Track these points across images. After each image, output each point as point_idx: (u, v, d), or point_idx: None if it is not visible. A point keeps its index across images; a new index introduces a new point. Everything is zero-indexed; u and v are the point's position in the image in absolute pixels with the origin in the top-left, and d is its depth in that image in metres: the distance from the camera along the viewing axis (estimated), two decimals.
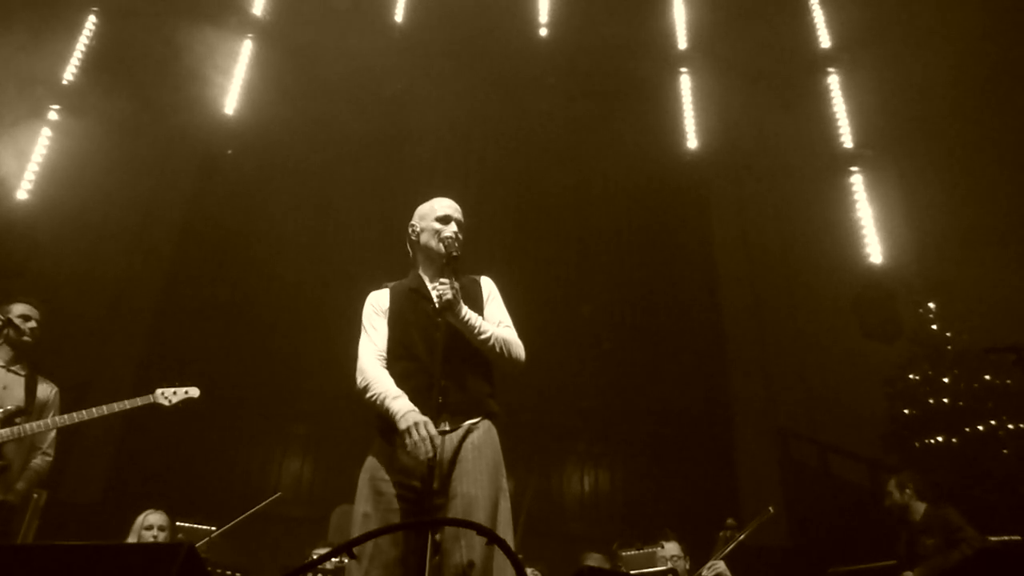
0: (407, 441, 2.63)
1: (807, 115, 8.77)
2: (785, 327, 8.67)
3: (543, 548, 5.95)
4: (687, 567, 5.34)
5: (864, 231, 8.19)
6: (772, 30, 8.81)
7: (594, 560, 6.11)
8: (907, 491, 5.29)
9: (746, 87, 8.91)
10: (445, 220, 3.15)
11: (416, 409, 2.71)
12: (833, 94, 8.82)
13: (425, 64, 9.01)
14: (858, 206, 8.29)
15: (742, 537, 5.09)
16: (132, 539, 4.90)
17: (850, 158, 8.51)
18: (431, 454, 2.57)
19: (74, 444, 6.56)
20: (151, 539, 4.85)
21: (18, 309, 4.32)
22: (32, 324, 4.33)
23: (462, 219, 3.20)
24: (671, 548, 5.37)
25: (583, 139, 9.38)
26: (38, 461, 4.26)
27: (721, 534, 5.22)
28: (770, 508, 5.17)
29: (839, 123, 8.68)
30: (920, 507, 5.21)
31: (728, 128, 9.05)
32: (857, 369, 7.84)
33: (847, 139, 8.60)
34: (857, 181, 8.41)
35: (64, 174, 7.89)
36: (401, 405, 2.73)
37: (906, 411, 7.43)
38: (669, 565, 5.22)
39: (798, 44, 9.13)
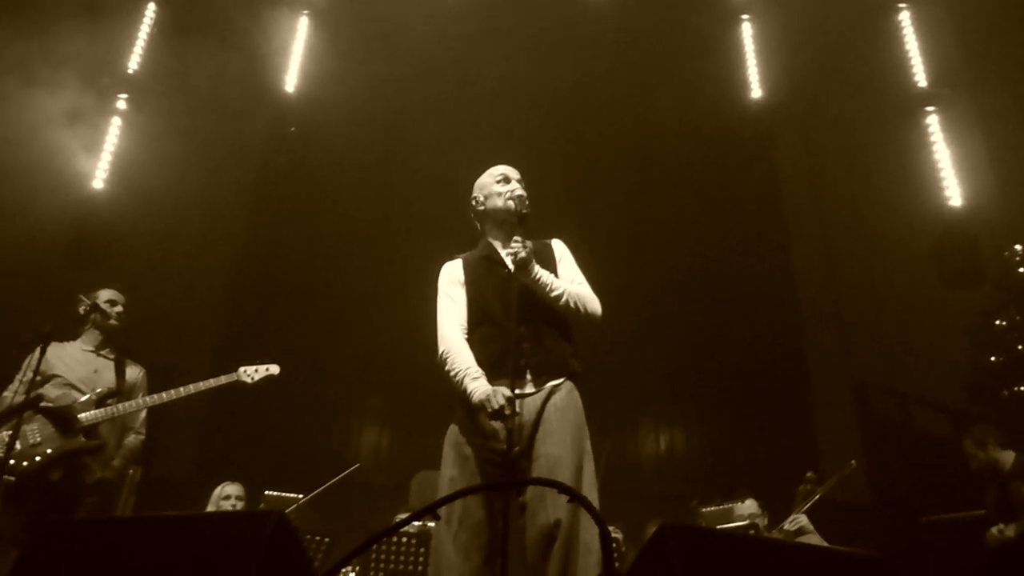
0: (486, 412, 2.65)
1: (877, 56, 8.40)
2: (860, 277, 8.43)
3: (620, 509, 5.97)
4: (766, 523, 5.30)
5: (942, 174, 7.83)
6: None
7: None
8: (988, 445, 4.98)
9: (810, 31, 8.59)
10: (505, 180, 3.18)
11: (491, 387, 2.72)
12: (905, 31, 8.40)
13: (482, 29, 8.93)
14: (935, 148, 7.91)
15: (823, 492, 5.02)
16: (211, 509, 5.13)
17: (925, 98, 8.13)
18: (510, 413, 2.58)
19: (163, 422, 6.80)
20: (229, 508, 5.08)
21: (105, 295, 4.49)
22: (119, 309, 4.49)
23: (521, 179, 3.21)
24: (749, 506, 5.34)
25: (643, 98, 9.19)
26: (131, 440, 4.44)
27: (801, 488, 5.15)
28: (852, 462, 5.06)
29: (912, 62, 8.27)
30: (1009, 456, 4.90)
31: (793, 75, 8.75)
32: (937, 317, 7.58)
33: (921, 79, 8.20)
34: (933, 122, 8.02)
35: (135, 162, 8.10)
36: (477, 385, 2.75)
37: (992, 359, 7.17)
38: (748, 522, 5.19)
39: None
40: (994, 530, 4.85)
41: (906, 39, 8.36)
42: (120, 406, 4.22)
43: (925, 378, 7.54)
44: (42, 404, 4.07)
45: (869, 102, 8.33)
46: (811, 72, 8.72)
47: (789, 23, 8.80)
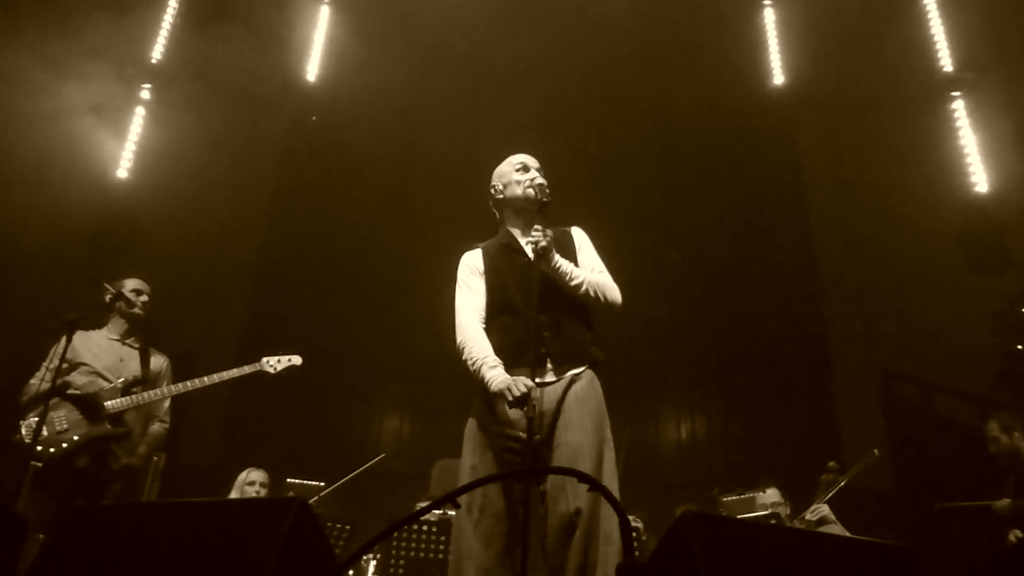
0: (507, 401, 2.64)
1: (901, 40, 8.28)
2: (883, 264, 8.33)
3: (641, 497, 5.97)
4: (788, 512, 5.27)
5: (968, 159, 7.72)
6: None
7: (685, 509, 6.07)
8: (1015, 432, 4.85)
9: (833, 15, 8.48)
10: (524, 169, 3.18)
11: (508, 376, 2.72)
12: (930, 14, 8.26)
13: (502, 16, 8.89)
14: (961, 133, 7.80)
15: (845, 481, 4.98)
16: (235, 495, 5.22)
17: (950, 83, 8.01)
18: (530, 404, 2.58)
19: (187, 410, 6.88)
20: (253, 494, 5.17)
21: (131, 284, 4.54)
22: (144, 298, 4.54)
23: (539, 167, 3.21)
24: (771, 495, 5.31)
25: (664, 84, 9.12)
26: (156, 428, 4.50)
27: (824, 477, 5.11)
28: (875, 451, 5.02)
29: (937, 46, 8.14)
30: None
31: (816, 60, 8.65)
32: (962, 304, 7.48)
33: (947, 63, 8.07)
34: (959, 107, 7.90)
35: (159, 151, 8.16)
36: (495, 374, 2.75)
37: (1019, 346, 7.07)
38: (770, 511, 5.17)
39: None
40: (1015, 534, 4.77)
41: (931, 23, 8.23)
42: (145, 394, 4.28)
43: (950, 366, 7.45)
44: (69, 391, 4.13)
45: (893, 87, 8.21)
46: (834, 57, 8.62)
47: (811, 8, 8.71)
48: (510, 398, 2.60)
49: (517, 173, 3.18)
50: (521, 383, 2.61)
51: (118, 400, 4.19)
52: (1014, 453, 4.87)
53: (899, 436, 7.69)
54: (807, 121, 9.09)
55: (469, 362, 2.87)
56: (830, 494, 4.96)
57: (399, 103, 9.02)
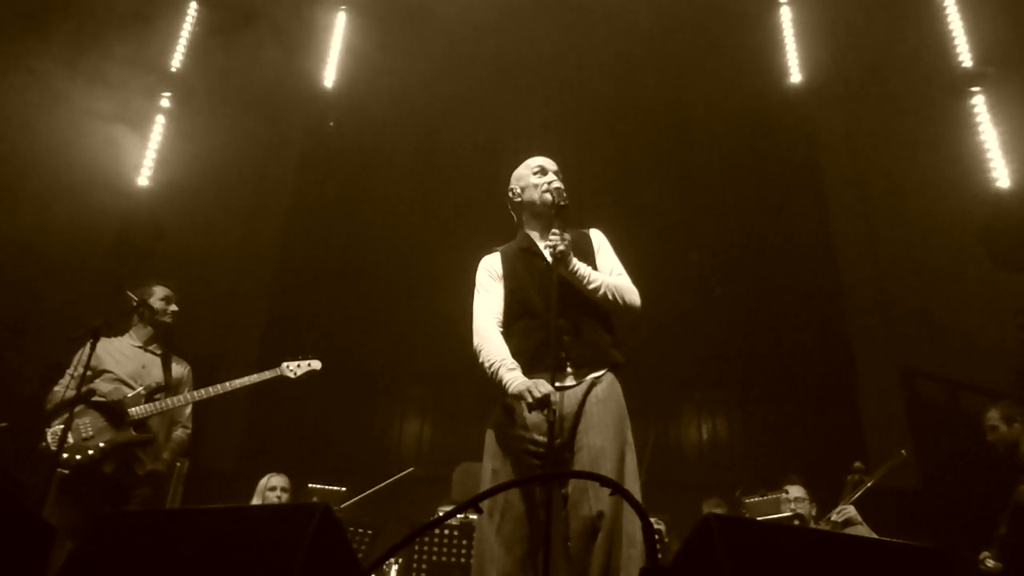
0: (524, 405, 2.64)
1: (920, 37, 8.20)
2: (905, 261, 8.25)
3: (663, 498, 5.94)
4: (812, 512, 5.22)
5: (989, 154, 7.63)
6: None
7: (710, 505, 6.06)
8: (1016, 424, 4.62)
9: (850, 12, 8.42)
10: (542, 172, 3.18)
11: (527, 379, 2.72)
12: (948, 10, 8.18)
13: (519, 17, 8.89)
14: (981, 128, 7.72)
15: (872, 482, 4.93)
16: (256, 500, 5.24)
17: (970, 78, 7.91)
18: (551, 408, 2.58)
19: (209, 414, 6.93)
20: (275, 499, 5.19)
21: (160, 292, 4.59)
22: (174, 307, 4.60)
23: (558, 170, 3.20)
24: (795, 491, 5.24)
25: (681, 83, 9.10)
26: (179, 433, 4.54)
27: (849, 478, 5.06)
28: (902, 452, 4.94)
29: (956, 41, 8.05)
30: None
31: (834, 57, 8.59)
32: (986, 301, 7.40)
33: (966, 58, 7.99)
34: (979, 102, 7.82)
35: (179, 158, 8.23)
36: (513, 376, 2.75)
37: None
38: (794, 508, 5.10)
39: None
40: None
41: (949, 17, 8.14)
42: (168, 400, 4.32)
43: (974, 363, 7.37)
44: (94, 398, 4.17)
45: (912, 83, 8.14)
46: (852, 54, 8.56)
47: (828, 5, 8.64)
48: (530, 400, 2.60)
49: (535, 176, 3.18)
50: (542, 385, 2.61)
51: (142, 406, 4.24)
52: (1012, 444, 4.67)
53: (924, 435, 7.61)
54: (825, 119, 9.03)
55: (486, 365, 2.87)
56: (856, 495, 4.91)
57: (416, 107, 9.05)
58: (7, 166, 6.88)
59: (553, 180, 3.13)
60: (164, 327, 4.57)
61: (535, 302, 2.96)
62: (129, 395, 4.25)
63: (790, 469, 5.83)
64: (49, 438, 4.07)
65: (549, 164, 3.23)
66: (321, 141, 9.32)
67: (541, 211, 3.13)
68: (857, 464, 5.10)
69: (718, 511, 5.44)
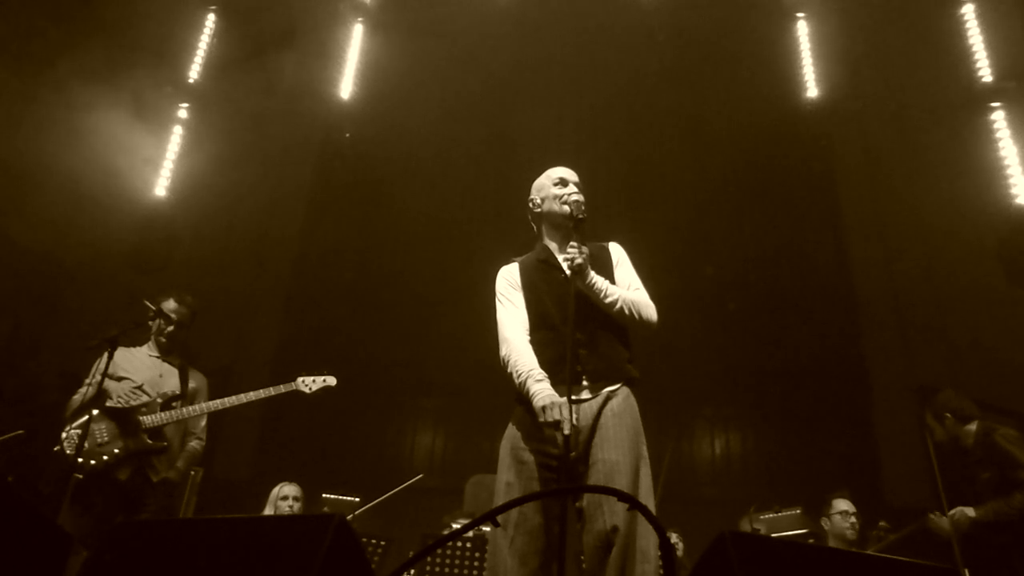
0: (540, 421, 2.64)
1: (938, 51, 8.17)
2: (921, 278, 8.20)
3: (676, 513, 5.91)
4: (857, 525, 5.05)
5: (1009, 170, 7.58)
6: None
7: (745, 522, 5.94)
8: (947, 418, 4.56)
9: (868, 27, 8.41)
10: (563, 183, 3.17)
11: (554, 393, 2.72)
12: (968, 24, 8.14)
13: (535, 30, 8.94)
14: (1001, 144, 7.68)
15: (894, 538, 4.86)
16: (268, 509, 5.25)
17: (990, 93, 7.88)
18: (566, 432, 2.58)
19: (222, 424, 6.96)
20: (287, 508, 5.19)
21: (170, 304, 4.60)
22: (183, 312, 4.60)
23: (579, 182, 3.20)
24: (844, 504, 5.09)
25: (697, 97, 9.10)
26: (193, 444, 4.57)
27: (873, 533, 5.01)
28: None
29: (976, 56, 8.02)
30: (970, 431, 4.48)
31: (851, 73, 8.57)
32: (1004, 319, 7.34)
33: (986, 73, 7.94)
34: (999, 117, 7.78)
35: (196, 169, 8.30)
36: (540, 388, 2.75)
37: None
38: (853, 522, 4.97)
39: None
40: (934, 515, 4.47)
41: (969, 32, 8.11)
42: (184, 409, 4.34)
43: (990, 381, 7.29)
44: (108, 404, 4.19)
45: (930, 98, 8.11)
46: (869, 69, 8.54)
47: (845, 20, 8.63)
48: (547, 419, 2.60)
49: (555, 187, 3.18)
50: (560, 408, 2.60)
51: (157, 415, 4.26)
52: (953, 439, 4.57)
53: (938, 454, 7.53)
54: (842, 134, 9.00)
55: (515, 374, 2.87)
56: (875, 548, 4.86)
57: (432, 119, 9.09)
58: (27, 178, 6.96)
59: (573, 192, 3.13)
60: (178, 336, 4.59)
61: (552, 314, 2.95)
62: (144, 401, 4.27)
63: (805, 486, 5.78)
64: (64, 443, 4.10)
65: (570, 175, 3.22)
66: (337, 152, 9.37)
67: (560, 222, 3.13)
68: (882, 523, 4.98)
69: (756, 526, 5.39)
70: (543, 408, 2.63)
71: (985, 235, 7.62)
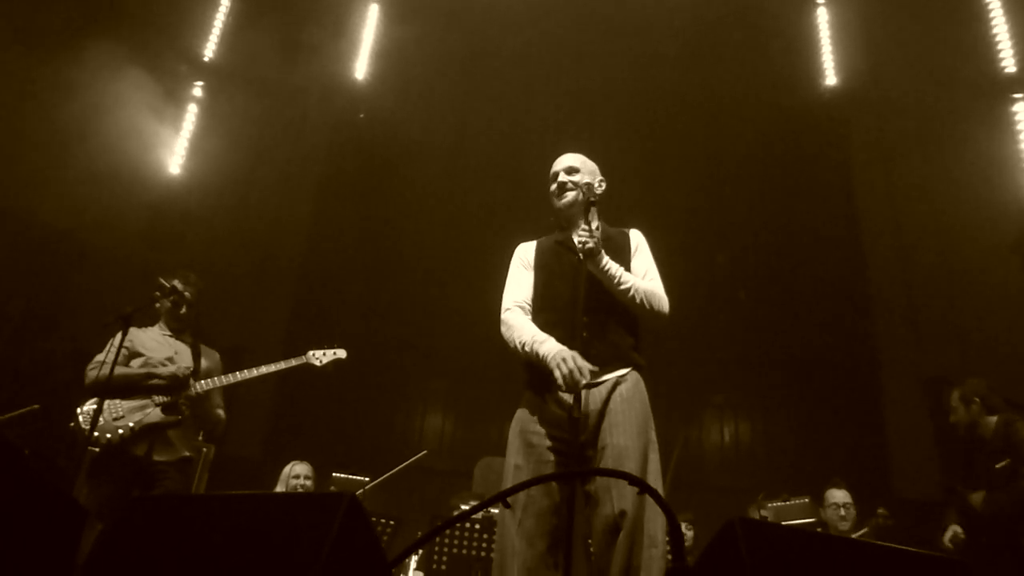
0: (556, 375, 2.60)
1: (959, 40, 8.07)
2: (935, 270, 8.14)
3: (686, 500, 5.93)
4: (851, 516, 5.07)
5: None
6: None
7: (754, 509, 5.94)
8: (973, 406, 4.62)
9: (887, 15, 8.31)
10: (552, 179, 3.19)
11: (563, 347, 2.69)
12: (992, 13, 8.01)
13: (551, 14, 8.89)
14: (1021, 136, 7.59)
15: (892, 523, 4.88)
16: (280, 487, 5.29)
17: (1011, 84, 7.78)
18: (586, 379, 2.55)
19: (234, 402, 7.00)
20: (298, 487, 5.24)
21: (179, 284, 4.61)
22: (192, 288, 4.61)
23: (575, 165, 3.18)
24: (840, 495, 5.12)
25: (714, 83, 9.03)
26: (220, 412, 4.58)
27: (872, 521, 5.03)
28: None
29: (999, 46, 7.89)
30: (991, 422, 4.54)
31: (870, 62, 8.49)
32: (1018, 312, 7.29)
33: (1009, 63, 7.82)
34: (1020, 109, 7.67)
35: (210, 147, 8.32)
36: (549, 347, 2.73)
37: None
38: (843, 514, 5.00)
39: None
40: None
41: (993, 21, 7.98)
42: (198, 384, 4.36)
43: (1003, 376, 7.24)
44: (153, 382, 4.22)
45: (950, 89, 8.01)
46: (888, 58, 8.45)
47: (866, 7, 8.54)
48: (564, 370, 2.56)
49: (551, 183, 3.21)
50: (572, 360, 2.56)
51: (202, 382, 4.33)
52: (972, 426, 4.64)
53: (948, 446, 7.51)
54: (859, 123, 8.93)
55: (518, 344, 2.84)
56: (874, 532, 4.88)
57: (446, 100, 9.07)
58: (42, 154, 6.98)
59: (564, 185, 3.13)
60: (188, 313, 4.60)
61: (561, 296, 2.94)
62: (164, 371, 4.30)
63: (814, 474, 5.78)
64: (80, 418, 4.13)
65: (559, 164, 3.22)
66: (351, 133, 9.37)
67: (564, 214, 3.16)
68: (880, 511, 5.03)
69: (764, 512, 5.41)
70: (558, 363, 2.58)
71: (1001, 228, 7.55)
